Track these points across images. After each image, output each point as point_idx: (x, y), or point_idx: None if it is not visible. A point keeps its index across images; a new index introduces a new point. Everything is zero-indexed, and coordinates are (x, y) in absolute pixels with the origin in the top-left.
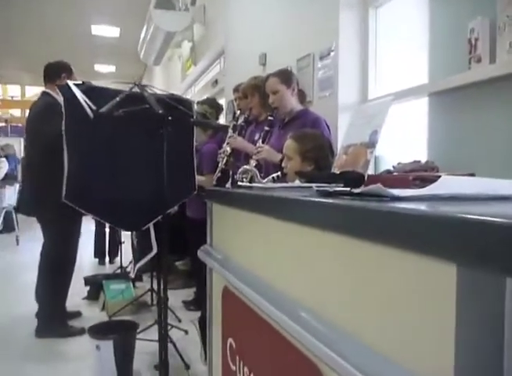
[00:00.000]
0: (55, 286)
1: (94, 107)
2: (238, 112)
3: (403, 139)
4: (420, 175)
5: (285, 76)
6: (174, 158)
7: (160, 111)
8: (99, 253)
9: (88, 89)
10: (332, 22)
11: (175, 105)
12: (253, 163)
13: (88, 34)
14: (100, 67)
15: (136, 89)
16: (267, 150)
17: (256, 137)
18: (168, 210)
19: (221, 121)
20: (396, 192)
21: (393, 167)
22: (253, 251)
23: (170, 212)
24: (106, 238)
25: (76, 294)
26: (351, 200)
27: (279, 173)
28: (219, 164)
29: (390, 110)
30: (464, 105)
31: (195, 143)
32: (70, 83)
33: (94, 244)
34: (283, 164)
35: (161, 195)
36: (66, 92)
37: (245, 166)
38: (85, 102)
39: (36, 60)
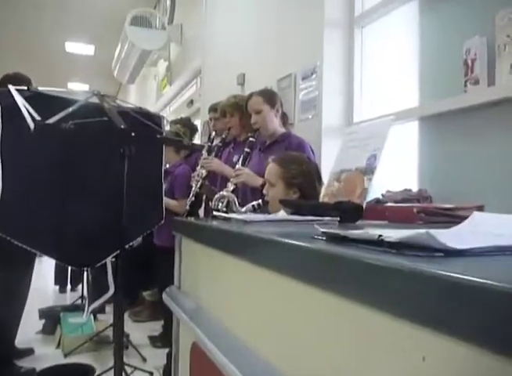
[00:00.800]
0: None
1: (38, 117)
2: (213, 133)
3: (391, 165)
4: (424, 207)
5: (269, 96)
6: (139, 181)
7: (122, 126)
8: (59, 279)
9: (34, 96)
10: (316, 41)
11: (142, 120)
12: (231, 187)
13: (62, 51)
14: (74, 86)
15: (95, 99)
16: (247, 174)
17: (234, 159)
18: (128, 243)
19: (196, 142)
20: (447, 240)
21: (382, 195)
22: (229, 302)
23: (132, 245)
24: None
25: (30, 327)
26: (387, 255)
27: (259, 201)
28: (193, 188)
29: (388, 132)
30: (459, 130)
31: (166, 165)
32: (12, 88)
33: (54, 268)
34: (264, 191)
35: (120, 225)
36: (5, 98)
37: (222, 192)
38: (27, 110)
39: None
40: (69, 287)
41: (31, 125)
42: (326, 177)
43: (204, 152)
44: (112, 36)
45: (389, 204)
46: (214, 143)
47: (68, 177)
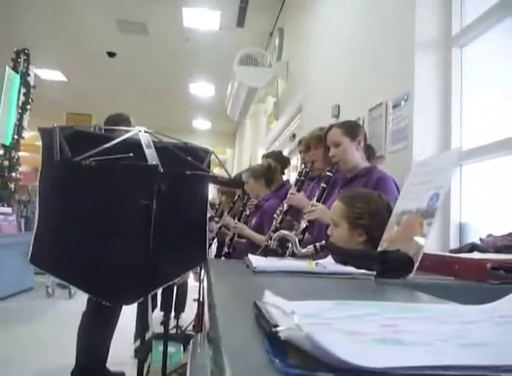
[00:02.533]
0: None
1: (69, 154)
2: (302, 166)
3: (498, 203)
4: (503, 261)
5: (349, 127)
6: (177, 219)
7: (154, 162)
8: (165, 306)
9: (76, 135)
10: (406, 65)
11: (183, 156)
12: (303, 224)
13: (186, 92)
14: (197, 123)
15: (137, 136)
16: (321, 210)
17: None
18: (167, 283)
19: (288, 176)
20: (350, 350)
21: (480, 240)
22: None
23: (173, 284)
24: (173, 290)
25: (128, 352)
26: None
27: (323, 242)
28: (273, 223)
29: (455, 165)
30: None
31: (254, 200)
32: (55, 126)
33: (161, 294)
34: (328, 232)
35: (153, 263)
36: (47, 136)
37: (282, 231)
38: (59, 147)
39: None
40: (173, 314)
41: (56, 158)
42: None
43: (293, 186)
44: (229, 76)
45: (460, 255)
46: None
47: (105, 214)
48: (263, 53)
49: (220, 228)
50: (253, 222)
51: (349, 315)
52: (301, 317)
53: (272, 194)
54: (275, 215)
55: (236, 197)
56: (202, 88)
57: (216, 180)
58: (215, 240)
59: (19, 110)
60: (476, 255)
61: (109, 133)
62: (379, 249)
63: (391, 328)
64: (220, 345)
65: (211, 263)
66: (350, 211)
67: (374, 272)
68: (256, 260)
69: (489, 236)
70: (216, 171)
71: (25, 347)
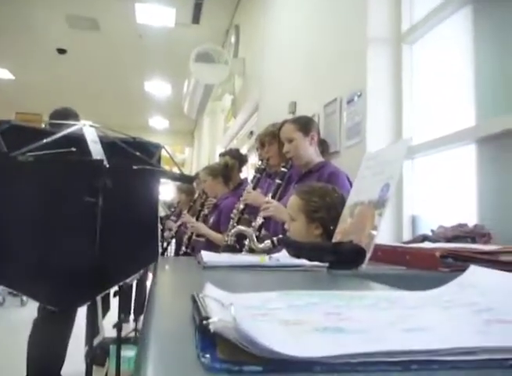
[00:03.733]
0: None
1: (4, 149)
2: (259, 163)
3: (447, 195)
4: (451, 250)
5: (302, 123)
6: (127, 217)
7: (98, 157)
8: (123, 308)
9: (13, 129)
10: (359, 61)
11: (131, 151)
12: (259, 221)
13: (141, 90)
14: (154, 121)
15: (82, 131)
16: (275, 207)
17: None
18: (118, 282)
19: (247, 174)
20: (277, 339)
21: (432, 231)
22: None
23: (125, 283)
24: (131, 291)
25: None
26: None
27: (280, 236)
28: (230, 222)
29: (405, 155)
30: None
31: (213, 199)
32: None
33: (118, 299)
34: (285, 226)
35: (104, 265)
36: None
37: (239, 226)
38: None
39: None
40: (131, 317)
41: None
42: None
43: (249, 184)
44: (186, 74)
45: (411, 246)
46: (254, 174)
47: (46, 212)
48: (219, 50)
49: (179, 227)
50: (211, 220)
51: (292, 304)
52: (239, 309)
53: (230, 193)
54: (232, 215)
55: (196, 195)
56: (158, 86)
57: (166, 175)
58: (174, 240)
59: None
60: (426, 245)
61: (55, 128)
62: (333, 241)
63: (335, 316)
64: (148, 339)
65: (162, 261)
66: (306, 204)
67: (327, 264)
68: (207, 256)
69: (440, 227)
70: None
71: None
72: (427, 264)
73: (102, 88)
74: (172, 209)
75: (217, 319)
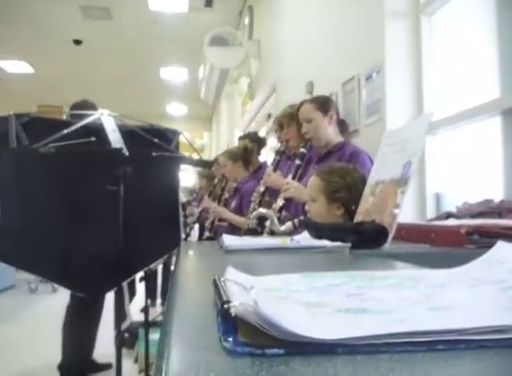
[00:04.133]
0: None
1: (26, 142)
2: (279, 145)
3: (472, 171)
4: (477, 226)
5: (321, 102)
6: (148, 204)
7: (118, 146)
8: (149, 293)
9: (33, 122)
10: (376, 36)
11: (149, 138)
12: (280, 203)
13: (157, 77)
14: (172, 108)
15: (99, 120)
16: (296, 188)
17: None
18: (141, 269)
19: (266, 157)
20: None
21: (456, 208)
22: None
23: (149, 269)
24: (157, 276)
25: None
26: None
27: (301, 217)
28: (251, 205)
29: (427, 131)
30: None
31: (233, 183)
32: (10, 114)
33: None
34: (306, 207)
35: (127, 252)
36: (2, 124)
37: (260, 209)
38: (15, 134)
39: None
40: (159, 301)
41: (11, 147)
42: None
43: (270, 166)
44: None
45: (435, 223)
46: (274, 157)
47: (70, 203)
48: (233, 33)
49: (201, 212)
50: (232, 205)
51: (314, 286)
52: (260, 292)
53: (250, 176)
54: (252, 198)
55: (216, 180)
56: (174, 72)
57: (185, 161)
58: (196, 225)
59: None
60: (451, 222)
61: (74, 119)
62: (354, 221)
63: (357, 297)
64: (170, 323)
65: (184, 246)
66: (327, 185)
67: (349, 244)
68: (229, 239)
69: (465, 204)
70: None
71: (8, 346)
72: (453, 241)
73: (118, 77)
74: (194, 195)
75: (238, 302)
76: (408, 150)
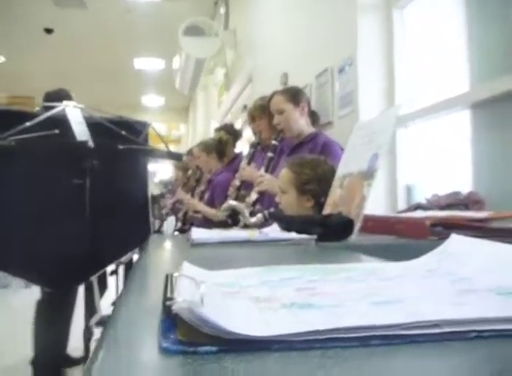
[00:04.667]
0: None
1: None
2: (253, 138)
3: (443, 163)
4: (441, 218)
5: (292, 93)
6: (115, 197)
7: (84, 139)
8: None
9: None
10: (349, 28)
11: (117, 131)
12: (253, 196)
13: (131, 68)
14: (148, 99)
15: (63, 112)
16: (268, 180)
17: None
18: (110, 263)
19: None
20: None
21: (426, 200)
22: None
23: (119, 263)
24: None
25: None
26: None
27: (271, 209)
28: (227, 199)
29: (394, 124)
30: None
31: (209, 175)
32: None
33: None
34: (276, 199)
35: (95, 246)
36: None
37: (230, 201)
38: None
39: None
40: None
41: None
42: None
43: (244, 160)
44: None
45: (402, 215)
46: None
47: (35, 197)
48: (208, 22)
49: (174, 203)
50: (206, 196)
51: (267, 280)
52: (211, 287)
53: (224, 167)
54: (229, 192)
55: (190, 172)
56: (150, 63)
57: (152, 153)
58: (171, 217)
59: None
60: (417, 214)
61: (42, 111)
62: (324, 213)
63: (307, 291)
64: (115, 322)
65: (154, 239)
66: (298, 177)
67: (315, 237)
68: (197, 233)
69: (434, 195)
70: (172, 147)
71: None
72: (418, 233)
73: (92, 67)
74: (169, 187)
75: (181, 299)
76: (375, 143)
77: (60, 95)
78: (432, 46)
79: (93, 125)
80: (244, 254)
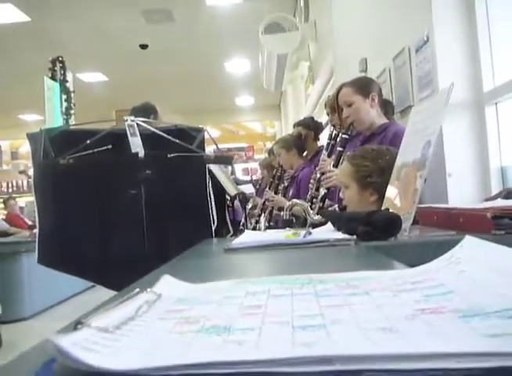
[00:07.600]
0: None
1: (52, 155)
2: (331, 129)
3: None
4: (507, 208)
5: (360, 84)
6: (172, 204)
7: (137, 150)
8: None
9: (62, 135)
10: (423, 3)
11: (172, 139)
12: (322, 192)
13: (222, 71)
14: (240, 100)
15: (124, 125)
16: (337, 175)
17: None
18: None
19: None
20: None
21: None
22: None
23: None
24: None
25: None
26: None
27: (335, 206)
28: (309, 192)
29: (445, 106)
30: None
31: (290, 171)
32: (41, 129)
33: None
34: (340, 195)
35: (155, 251)
36: (33, 140)
37: (294, 200)
38: (44, 149)
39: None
40: None
41: (37, 162)
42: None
43: (324, 152)
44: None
45: (465, 207)
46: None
47: (97, 209)
48: (287, 17)
49: (264, 203)
50: (290, 193)
51: (227, 296)
52: (132, 311)
53: (307, 162)
54: (310, 185)
55: (275, 170)
56: (237, 65)
57: (204, 159)
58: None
59: (64, 116)
60: (483, 205)
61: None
62: (382, 208)
63: (252, 310)
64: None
65: (200, 244)
66: (357, 170)
67: (354, 237)
68: (244, 236)
69: None
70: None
71: None
72: (480, 226)
73: (186, 77)
74: (257, 186)
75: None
76: (428, 129)
77: (145, 108)
78: None
79: (149, 136)
80: (270, 259)
